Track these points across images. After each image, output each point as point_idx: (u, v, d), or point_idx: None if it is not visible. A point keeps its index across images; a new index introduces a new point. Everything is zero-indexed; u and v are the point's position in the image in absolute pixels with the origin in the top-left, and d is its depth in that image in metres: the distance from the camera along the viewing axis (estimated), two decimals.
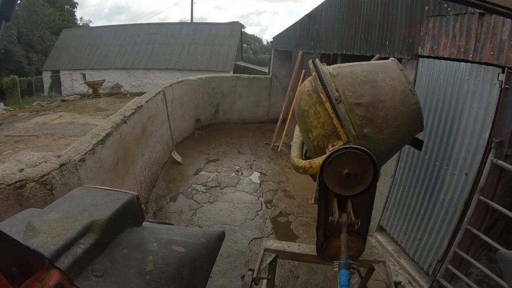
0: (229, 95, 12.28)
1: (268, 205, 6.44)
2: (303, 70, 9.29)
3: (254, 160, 8.85)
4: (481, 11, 3.09)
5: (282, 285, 4.40)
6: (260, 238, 5.30)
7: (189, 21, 32.62)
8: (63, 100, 22.13)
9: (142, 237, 1.56)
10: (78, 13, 60.71)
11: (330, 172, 2.25)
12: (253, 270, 2.97)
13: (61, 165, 2.84)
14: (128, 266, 1.37)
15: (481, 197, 3.27)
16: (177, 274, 1.47)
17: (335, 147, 2.30)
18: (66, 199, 1.66)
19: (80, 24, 39.08)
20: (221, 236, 1.97)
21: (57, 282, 1.12)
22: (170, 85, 8.78)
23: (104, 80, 24.19)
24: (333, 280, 4.26)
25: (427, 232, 4.13)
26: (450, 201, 3.74)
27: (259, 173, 8.03)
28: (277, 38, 13.26)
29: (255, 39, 62.60)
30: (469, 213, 3.42)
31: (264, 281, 3.44)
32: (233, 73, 21.51)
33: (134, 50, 25.24)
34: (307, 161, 2.58)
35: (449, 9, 3.55)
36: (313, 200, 2.63)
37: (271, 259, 3.18)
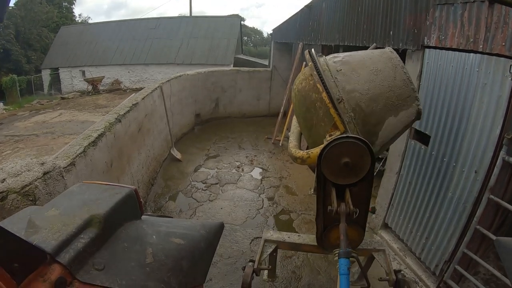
0: (229, 89, 12.09)
1: (269, 202, 6.29)
2: (304, 62, 9.08)
3: (255, 156, 8.68)
4: None
5: (284, 286, 4.26)
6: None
7: (188, 15, 32.36)
8: (62, 98, 22.02)
9: (142, 230, 1.59)
10: (77, 10, 60.45)
11: (328, 162, 2.28)
12: (253, 262, 3.08)
13: (45, 174, 2.69)
14: (128, 259, 1.40)
15: (492, 196, 3.09)
16: (177, 266, 1.50)
17: (332, 136, 2.34)
18: (65, 195, 1.68)
19: (79, 21, 38.84)
20: (220, 228, 1.99)
21: (59, 276, 1.15)
22: (168, 80, 8.61)
23: (104, 76, 24.04)
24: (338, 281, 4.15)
25: (434, 231, 3.96)
26: (459, 200, 3.56)
27: (260, 169, 7.86)
28: (277, 30, 13.03)
29: (255, 32, 62.11)
30: (478, 212, 3.25)
31: (265, 271, 3.51)
32: (234, 66, 21.42)
33: (133, 45, 25.06)
34: (305, 151, 2.65)
35: None
36: (312, 190, 2.69)
37: (271, 250, 3.25)
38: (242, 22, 32.11)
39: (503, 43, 2.82)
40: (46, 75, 26.32)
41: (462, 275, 3.49)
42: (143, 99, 6.12)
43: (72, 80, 25.26)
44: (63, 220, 1.39)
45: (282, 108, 10.17)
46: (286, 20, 11.56)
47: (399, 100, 2.52)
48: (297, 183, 6.96)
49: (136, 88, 22.01)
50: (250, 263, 3.06)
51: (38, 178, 2.59)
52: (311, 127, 2.69)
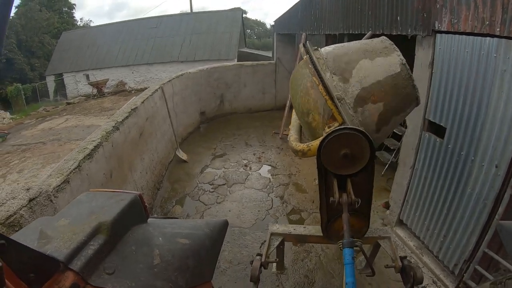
0: (233, 85, 11.87)
1: (279, 202, 6.08)
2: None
3: (263, 152, 8.47)
4: None
5: None
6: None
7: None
8: (68, 103, 22.08)
9: (148, 233, 1.64)
10: (78, 14, 60.64)
11: (328, 153, 2.32)
12: (261, 255, 3.09)
13: (30, 200, 2.52)
14: (137, 261, 1.45)
15: None
16: (183, 265, 1.55)
17: (331, 128, 2.37)
18: (73, 205, 1.72)
19: (81, 25, 38.93)
20: (224, 225, 2.01)
21: (72, 283, 1.21)
22: (169, 80, 8.41)
23: (108, 79, 24.00)
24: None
25: (453, 229, 3.72)
26: (479, 196, 3.30)
27: (269, 166, 7.66)
28: (279, 21, 12.74)
29: (258, 24, 61.58)
30: (500, 209, 3.01)
31: (274, 264, 3.54)
32: (237, 60, 21.35)
33: (135, 46, 24.98)
34: (305, 144, 2.67)
35: None
36: (316, 181, 2.92)
37: (278, 242, 3.28)
38: (244, 15, 31.76)
39: None
40: (50, 82, 26.45)
41: (483, 275, 3.29)
42: (142, 102, 5.94)
43: (77, 84, 25.30)
44: (73, 229, 1.43)
45: (289, 101, 9.89)
46: (288, 11, 11.25)
47: (396, 87, 2.53)
48: (306, 180, 6.74)
49: (141, 89, 21.92)
50: (258, 257, 3.06)
51: (23, 206, 2.42)
52: (310, 120, 2.69)
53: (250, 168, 7.54)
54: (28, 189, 2.59)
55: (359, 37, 3.74)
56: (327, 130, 2.39)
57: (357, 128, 2.26)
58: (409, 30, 4.07)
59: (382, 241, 3.17)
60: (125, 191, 1.81)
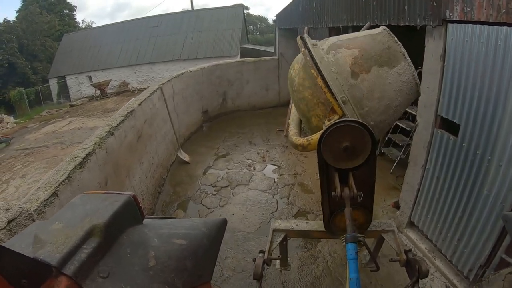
0: (235, 82, 11.64)
1: (284, 204, 5.86)
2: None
3: (267, 151, 8.23)
4: None
5: None
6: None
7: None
8: (71, 105, 21.97)
9: (143, 235, 1.61)
10: (80, 16, 60.79)
11: (328, 146, 2.29)
12: (263, 252, 3.06)
13: (9, 222, 2.31)
14: (132, 264, 1.42)
15: None
16: (180, 266, 1.53)
17: (331, 121, 2.35)
18: (68, 208, 1.69)
19: (83, 26, 38.90)
20: (222, 223, 1.97)
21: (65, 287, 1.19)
22: (169, 80, 8.19)
23: (110, 80, 23.90)
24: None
25: (468, 232, 3.49)
26: (496, 198, 3.07)
27: (273, 166, 7.42)
28: (280, 16, 12.46)
29: (260, 19, 61.06)
30: None
31: (277, 260, 3.51)
32: (240, 56, 21.13)
33: (137, 45, 24.83)
34: (305, 138, 2.64)
35: None
36: (318, 175, 2.65)
37: (280, 239, 3.26)
38: (246, 11, 31.45)
39: None
40: (53, 84, 26.41)
41: None
42: (140, 104, 5.72)
43: (80, 86, 25.24)
44: (66, 232, 1.41)
45: None
46: (289, 4, 10.95)
47: (374, 39, 2.56)
48: (312, 179, 6.50)
49: (144, 88, 21.65)
50: (261, 254, 3.04)
51: (1, 229, 2.22)
52: (309, 113, 2.67)
53: (254, 168, 7.31)
54: (7, 209, 2.39)
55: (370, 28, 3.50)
56: (327, 123, 2.37)
57: (358, 120, 2.23)
58: (418, 20, 3.81)
59: (386, 235, 3.13)
60: (119, 192, 1.77)
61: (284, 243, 3.37)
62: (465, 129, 3.43)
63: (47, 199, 2.86)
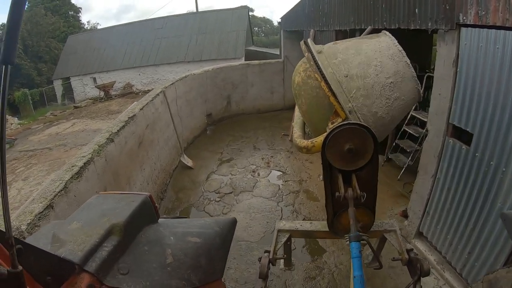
0: (240, 85, 11.52)
1: (289, 212, 5.70)
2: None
3: (272, 156, 8.07)
4: None
5: None
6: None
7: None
8: (75, 107, 21.92)
9: (159, 233, 1.66)
10: (85, 17, 61.16)
11: (332, 149, 2.36)
12: (269, 252, 3.11)
13: None
14: (150, 261, 1.47)
15: None
16: (196, 263, 1.58)
17: (334, 124, 2.45)
18: (84, 209, 1.74)
19: (88, 28, 38.91)
20: (232, 223, 2.04)
21: (88, 284, 1.24)
22: (172, 83, 8.07)
23: (115, 81, 23.80)
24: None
25: (479, 246, 3.34)
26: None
27: (278, 172, 7.26)
28: (285, 18, 12.32)
29: (265, 21, 60.83)
30: None
31: (282, 260, 3.57)
32: (245, 58, 21.04)
33: (141, 47, 24.71)
34: (309, 140, 2.73)
35: None
36: (321, 177, 2.81)
37: (285, 239, 3.30)
38: (251, 13, 31.35)
39: None
40: (58, 86, 26.37)
41: None
42: (141, 109, 5.60)
43: (84, 88, 25.18)
44: (86, 231, 1.45)
45: None
46: (294, 7, 10.81)
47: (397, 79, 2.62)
48: (318, 186, 6.32)
49: (148, 90, 21.65)
50: (266, 254, 3.08)
51: None
52: (313, 116, 2.74)
53: (259, 174, 7.16)
54: None
55: (371, 32, 3.36)
56: (331, 126, 2.45)
57: (360, 123, 2.29)
58: (429, 24, 3.66)
59: (388, 235, 3.17)
60: (135, 193, 1.86)
61: (289, 243, 3.41)
62: (479, 139, 3.28)
63: (42, 211, 2.76)
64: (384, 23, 4.70)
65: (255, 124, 10.75)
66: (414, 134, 6.24)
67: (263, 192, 6.37)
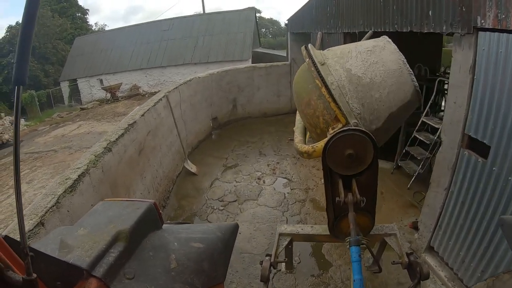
0: (246, 88, 11.33)
1: (294, 222, 5.48)
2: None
3: (278, 163, 7.87)
4: None
5: None
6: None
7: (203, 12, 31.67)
8: (82, 109, 21.91)
9: (164, 239, 1.71)
10: (94, 19, 61.55)
11: (333, 154, 2.38)
12: (270, 255, 3.14)
13: None
14: (155, 266, 1.54)
15: None
16: (199, 268, 1.63)
17: (335, 129, 2.45)
18: (91, 215, 1.78)
19: (96, 29, 39.07)
20: (235, 228, 2.07)
21: None
22: (176, 87, 7.91)
23: (121, 83, 23.75)
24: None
25: (493, 264, 3.14)
26: None
27: (284, 180, 7.05)
28: (292, 20, 12.12)
29: (272, 23, 60.67)
30: None
31: (283, 263, 3.62)
32: (252, 60, 20.92)
33: (148, 49, 24.64)
34: (310, 145, 2.73)
35: None
36: (322, 180, 2.71)
37: (286, 242, 3.33)
38: (258, 14, 31.18)
39: None
40: (65, 87, 26.44)
41: None
42: (142, 115, 5.43)
43: (91, 89, 25.21)
44: (93, 238, 1.48)
45: None
46: (301, 8, 10.61)
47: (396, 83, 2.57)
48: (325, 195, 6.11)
49: (155, 92, 21.61)
50: (267, 257, 3.09)
51: None
52: (313, 121, 2.73)
53: (264, 182, 6.96)
54: None
55: (381, 34, 3.16)
56: (331, 131, 2.45)
57: (360, 129, 2.31)
58: (444, 27, 3.43)
59: (388, 238, 3.17)
60: (140, 200, 1.90)
61: (290, 246, 3.44)
62: (497, 152, 3.05)
63: (32, 229, 2.62)
64: (395, 25, 4.48)
65: (261, 128, 10.56)
66: (425, 141, 5.99)
67: (268, 201, 6.17)
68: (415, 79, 2.63)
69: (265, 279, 2.95)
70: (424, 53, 7.79)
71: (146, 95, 22.39)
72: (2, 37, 29.58)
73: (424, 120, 6.02)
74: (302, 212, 5.73)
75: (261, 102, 11.66)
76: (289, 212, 5.77)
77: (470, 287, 3.50)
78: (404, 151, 6.53)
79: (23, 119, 20.51)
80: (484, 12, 2.89)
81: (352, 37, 6.40)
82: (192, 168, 7.57)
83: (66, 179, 3.28)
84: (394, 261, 2.97)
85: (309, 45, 2.82)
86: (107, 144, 4.11)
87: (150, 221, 1.74)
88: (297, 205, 5.95)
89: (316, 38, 8.69)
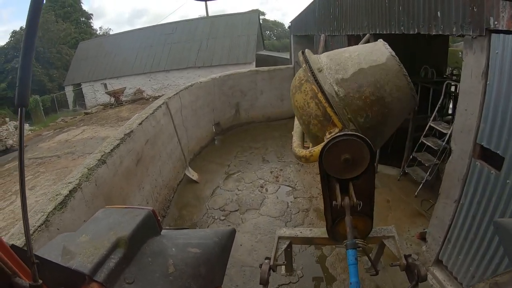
0: (249, 92, 11.16)
1: None
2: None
3: (281, 170, 7.67)
4: None
5: None
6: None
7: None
8: (86, 113, 21.86)
9: (162, 245, 1.76)
10: (98, 23, 61.94)
11: (329, 159, 2.39)
12: (269, 258, 3.13)
13: None
14: (153, 271, 1.58)
15: None
16: (196, 272, 1.67)
17: (331, 134, 2.45)
18: (92, 222, 1.85)
19: (100, 34, 39.15)
20: (232, 233, 2.09)
21: None
22: (176, 93, 7.75)
23: (125, 87, 23.72)
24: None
25: None
26: None
27: (287, 188, 6.85)
28: (295, 22, 11.95)
29: (277, 25, 60.38)
30: None
31: (283, 266, 3.62)
32: (256, 63, 20.82)
33: (152, 53, 24.60)
34: (308, 150, 2.75)
35: None
36: (321, 184, 2.70)
37: (285, 245, 3.34)
38: (262, 17, 31.04)
39: None
40: (69, 92, 26.50)
41: None
42: (140, 124, 5.27)
43: (95, 94, 25.20)
44: (94, 244, 1.53)
45: None
46: (304, 10, 10.43)
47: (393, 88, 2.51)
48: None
49: (158, 96, 21.51)
50: (266, 260, 3.09)
51: None
52: (311, 126, 2.72)
53: (267, 190, 6.77)
54: None
55: (387, 37, 2.98)
56: (328, 136, 2.45)
57: (357, 133, 2.33)
58: (454, 29, 3.24)
59: (386, 241, 3.17)
60: (139, 207, 1.93)
61: (289, 249, 3.45)
62: (511, 163, 2.86)
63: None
64: (402, 27, 4.29)
65: (264, 134, 10.37)
66: (433, 146, 5.77)
67: (270, 211, 5.98)
68: (393, 51, 2.58)
69: (264, 282, 2.95)
70: (430, 54, 7.57)
71: (150, 99, 22.30)
72: (6, 43, 29.65)
73: (432, 125, 5.80)
74: (305, 222, 5.53)
75: (264, 107, 11.47)
76: (292, 222, 5.57)
77: None
78: (411, 157, 6.31)
79: (27, 124, 20.51)
80: (498, 13, 2.71)
81: (356, 39, 6.21)
82: (193, 175, 7.40)
83: (57, 195, 3.13)
84: (392, 263, 2.97)
85: (306, 50, 2.84)
86: (101, 156, 3.95)
87: (149, 227, 1.79)
88: (301, 215, 5.76)
89: (319, 40, 8.51)
